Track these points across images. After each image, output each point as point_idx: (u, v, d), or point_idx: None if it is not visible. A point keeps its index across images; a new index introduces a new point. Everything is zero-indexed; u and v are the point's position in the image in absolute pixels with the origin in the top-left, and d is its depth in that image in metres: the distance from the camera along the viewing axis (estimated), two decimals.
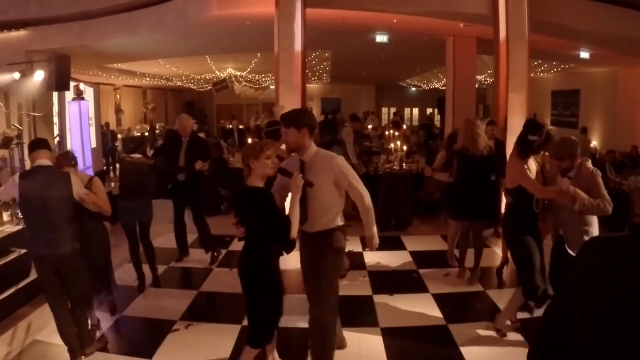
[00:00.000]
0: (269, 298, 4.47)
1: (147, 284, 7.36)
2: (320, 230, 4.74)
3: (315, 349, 4.86)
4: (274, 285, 4.50)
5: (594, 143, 18.80)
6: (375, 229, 4.92)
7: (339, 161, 4.71)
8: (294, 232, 4.33)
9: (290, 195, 4.50)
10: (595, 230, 5.14)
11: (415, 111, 35.70)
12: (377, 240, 4.95)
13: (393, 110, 32.95)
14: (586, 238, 5.08)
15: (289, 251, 4.47)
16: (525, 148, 5.48)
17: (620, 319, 1.71)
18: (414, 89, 33.43)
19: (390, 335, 5.81)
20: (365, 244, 8.52)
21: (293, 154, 4.84)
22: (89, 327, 5.42)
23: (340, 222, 4.79)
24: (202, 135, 13.88)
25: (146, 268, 7.49)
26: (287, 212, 4.39)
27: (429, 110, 33.29)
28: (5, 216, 7.49)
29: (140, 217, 7.34)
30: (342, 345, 5.38)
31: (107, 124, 20.70)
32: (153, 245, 7.56)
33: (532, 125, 5.58)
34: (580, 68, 19.91)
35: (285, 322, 5.03)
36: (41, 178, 4.93)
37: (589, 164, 5.14)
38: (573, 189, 4.76)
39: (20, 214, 7.04)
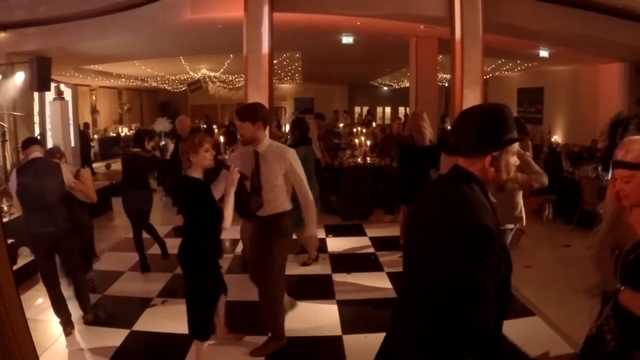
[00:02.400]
0: (201, 282, 4.81)
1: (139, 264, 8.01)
2: (270, 214, 5.08)
3: (268, 320, 5.35)
4: (207, 270, 4.87)
5: (555, 137, 19.45)
6: (314, 228, 5.16)
7: (290, 153, 5.04)
8: (227, 223, 4.63)
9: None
10: (522, 206, 5.83)
11: (388, 110, 36.13)
12: (316, 240, 5.29)
13: (366, 108, 33.39)
14: (515, 213, 5.77)
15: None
16: None
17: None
18: (385, 88, 33.70)
19: (345, 306, 6.48)
20: (327, 232, 9.19)
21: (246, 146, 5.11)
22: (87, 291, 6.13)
23: (288, 206, 5.15)
24: None
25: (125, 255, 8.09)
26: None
27: (401, 109, 33.75)
28: None
29: (139, 205, 7.95)
30: (292, 306, 5.94)
31: (87, 124, 21.12)
32: (153, 227, 8.24)
33: None
34: (544, 66, 20.50)
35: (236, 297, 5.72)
36: (36, 167, 5.68)
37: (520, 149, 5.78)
38: None
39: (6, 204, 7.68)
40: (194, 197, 4.69)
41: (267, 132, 5.17)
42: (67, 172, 5.89)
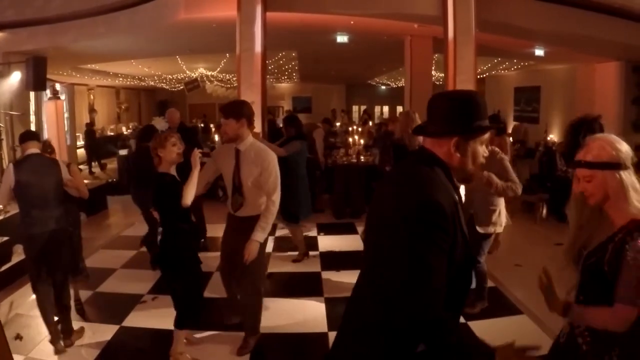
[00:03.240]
0: (185, 276, 4.91)
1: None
2: (249, 215, 5.08)
3: (247, 323, 5.42)
4: (190, 264, 4.94)
5: (552, 136, 19.47)
6: (260, 235, 4.93)
7: (267, 158, 4.98)
8: (186, 199, 4.62)
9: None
10: (502, 210, 5.86)
11: (385, 108, 36.08)
12: (254, 248, 4.92)
13: (364, 107, 33.33)
14: (492, 217, 5.81)
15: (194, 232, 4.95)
16: None
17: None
18: (383, 87, 33.76)
19: (332, 303, 6.54)
20: (319, 230, 9.23)
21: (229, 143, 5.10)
22: (70, 313, 5.85)
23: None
24: None
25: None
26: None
27: (399, 108, 33.66)
28: None
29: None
30: None
31: (92, 122, 21.40)
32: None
33: None
34: (540, 65, 20.45)
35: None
36: (34, 164, 5.52)
37: (500, 152, 5.83)
38: (487, 174, 5.27)
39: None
40: (162, 190, 4.79)
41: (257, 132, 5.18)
42: (64, 169, 5.76)
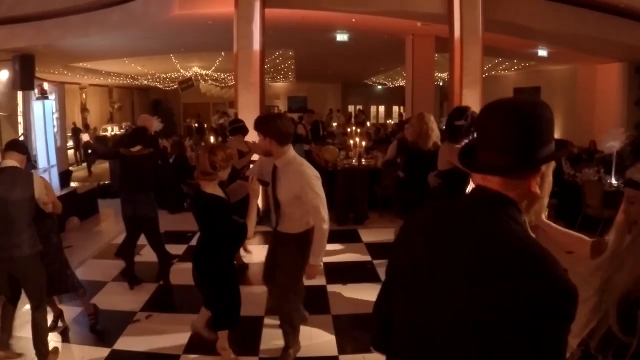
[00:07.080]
0: (227, 287, 4.82)
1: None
2: (291, 232, 4.85)
3: (282, 329, 5.16)
4: (230, 276, 4.87)
5: None
6: (315, 259, 4.73)
7: (305, 176, 4.58)
8: (251, 233, 4.56)
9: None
10: None
11: (382, 109, 36.00)
12: (313, 272, 4.82)
13: (360, 107, 33.18)
14: None
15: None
16: (454, 134, 5.71)
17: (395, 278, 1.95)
18: (380, 87, 33.68)
19: (341, 322, 6.11)
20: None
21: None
22: (48, 334, 5.33)
23: (310, 224, 4.80)
24: None
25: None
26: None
27: (395, 108, 33.65)
28: None
29: (145, 211, 7.26)
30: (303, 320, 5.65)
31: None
32: (164, 247, 7.49)
33: (457, 112, 5.86)
34: (541, 66, 20.38)
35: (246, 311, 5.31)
36: (3, 179, 4.83)
37: None
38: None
39: None
40: (218, 216, 4.57)
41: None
42: (39, 184, 5.04)
